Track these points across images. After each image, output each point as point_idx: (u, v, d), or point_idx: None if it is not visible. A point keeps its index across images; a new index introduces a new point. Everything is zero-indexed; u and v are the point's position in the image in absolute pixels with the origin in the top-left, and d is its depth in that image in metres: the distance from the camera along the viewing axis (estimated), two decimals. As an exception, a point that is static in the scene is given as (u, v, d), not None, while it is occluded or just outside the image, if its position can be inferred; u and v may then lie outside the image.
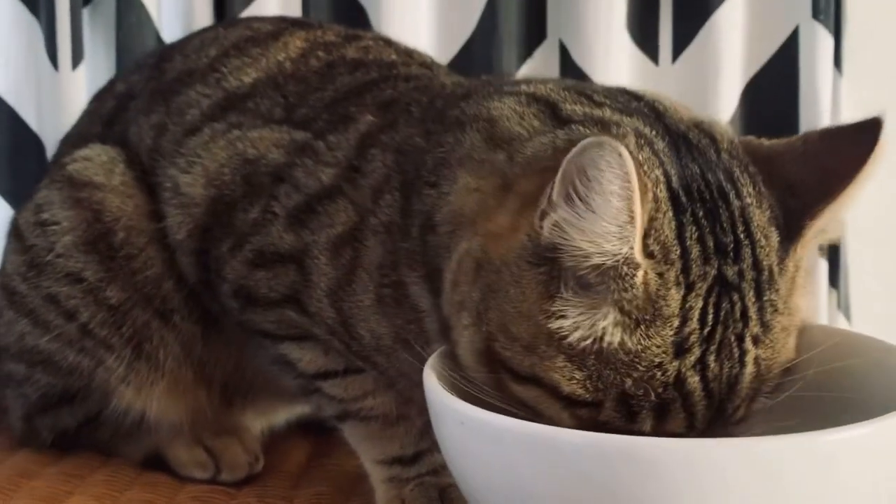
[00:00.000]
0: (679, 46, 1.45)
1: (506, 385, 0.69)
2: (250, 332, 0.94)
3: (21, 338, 1.02)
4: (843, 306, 1.46)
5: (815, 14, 1.40)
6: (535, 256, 0.67)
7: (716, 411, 0.67)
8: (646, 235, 0.65)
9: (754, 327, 0.67)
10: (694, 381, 0.66)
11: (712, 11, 1.42)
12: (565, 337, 0.66)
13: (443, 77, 0.96)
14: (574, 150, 0.63)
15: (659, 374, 0.65)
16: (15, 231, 1.04)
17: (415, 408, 0.88)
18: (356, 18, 1.43)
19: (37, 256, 0.99)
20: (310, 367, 0.92)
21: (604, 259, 0.64)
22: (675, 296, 0.65)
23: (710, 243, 0.66)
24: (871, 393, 0.72)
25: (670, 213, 0.66)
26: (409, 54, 1.02)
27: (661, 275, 0.65)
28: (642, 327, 0.65)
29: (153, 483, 0.99)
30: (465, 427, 0.67)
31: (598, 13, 1.41)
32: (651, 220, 0.65)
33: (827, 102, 1.41)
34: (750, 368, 0.67)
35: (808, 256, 0.71)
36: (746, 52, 1.45)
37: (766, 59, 1.45)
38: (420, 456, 0.90)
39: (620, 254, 0.64)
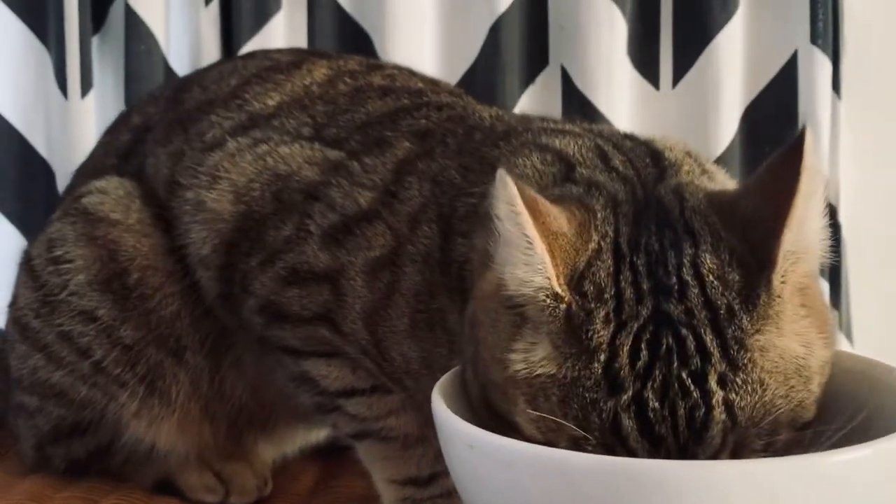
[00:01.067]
0: (679, 72, 1.47)
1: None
2: (272, 348, 0.95)
3: (34, 371, 1.02)
4: (845, 328, 1.47)
5: (814, 39, 1.42)
6: (506, 301, 0.70)
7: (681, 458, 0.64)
8: (582, 277, 0.68)
9: (718, 364, 0.65)
10: (627, 422, 0.64)
11: (712, 37, 1.44)
12: (513, 372, 0.68)
13: (477, 106, 0.97)
14: None
15: (594, 414, 0.65)
16: (27, 265, 1.04)
17: (435, 431, 0.89)
18: (361, 46, 1.45)
19: (50, 293, 1.00)
20: (334, 385, 0.93)
21: (524, 290, 0.68)
22: (601, 331, 0.66)
23: (647, 286, 0.68)
24: (875, 415, 0.73)
25: (610, 261, 0.69)
26: (434, 83, 1.04)
27: (588, 312, 0.67)
28: (570, 361, 0.66)
29: (164, 507, 1.01)
30: (473, 450, 0.68)
31: (600, 39, 1.43)
32: (589, 265, 0.69)
33: (826, 126, 1.43)
34: (718, 413, 0.64)
35: (795, 284, 0.69)
36: (746, 76, 1.47)
37: (765, 84, 1.46)
38: (435, 478, 0.91)
39: (535, 283, 0.67)
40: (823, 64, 1.42)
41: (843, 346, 1.47)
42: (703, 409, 0.64)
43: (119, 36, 1.44)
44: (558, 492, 0.64)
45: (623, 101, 1.46)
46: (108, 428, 1.01)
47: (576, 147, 0.83)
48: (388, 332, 0.86)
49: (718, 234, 0.70)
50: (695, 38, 1.45)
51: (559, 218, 0.70)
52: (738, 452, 0.65)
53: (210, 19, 1.45)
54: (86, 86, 1.42)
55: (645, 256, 0.69)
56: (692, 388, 0.64)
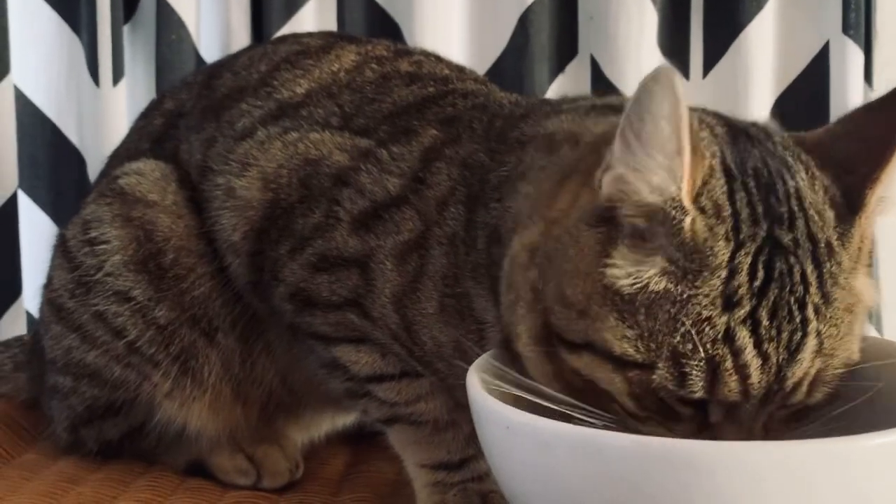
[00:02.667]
0: (710, 62, 1.47)
1: (562, 360, 0.71)
2: (302, 334, 0.96)
3: (68, 352, 1.03)
4: (875, 318, 1.47)
5: (846, 29, 1.41)
6: (594, 217, 0.70)
7: (774, 381, 0.67)
8: (699, 194, 0.68)
9: (815, 296, 0.68)
10: (744, 335, 0.66)
11: (743, 27, 1.44)
12: (617, 288, 0.68)
13: (499, 94, 0.98)
14: (637, 89, 0.66)
15: (707, 328, 0.66)
16: (62, 247, 1.05)
17: (465, 414, 0.89)
18: (390, 34, 1.45)
19: (85, 274, 1.01)
20: (364, 370, 0.94)
21: (653, 198, 0.67)
22: (723, 248, 0.67)
23: (760, 209, 0.69)
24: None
25: (723, 180, 0.69)
26: (461, 70, 1.04)
27: (710, 227, 0.67)
28: (689, 277, 0.67)
29: (196, 489, 1.02)
30: (510, 431, 0.69)
31: (630, 29, 1.43)
32: (704, 182, 0.68)
33: (858, 117, 1.43)
34: (812, 341, 0.67)
35: (871, 229, 0.73)
36: (777, 67, 1.46)
37: (796, 74, 1.46)
38: (466, 462, 0.92)
39: (669, 192, 0.67)
40: (855, 54, 1.41)
41: (872, 334, 1.46)
42: (800, 334, 0.67)
43: (150, 25, 1.46)
44: (595, 471, 0.65)
45: (652, 91, 1.46)
46: (141, 408, 1.02)
47: (605, 101, 0.84)
48: (417, 315, 0.86)
49: (813, 172, 0.73)
50: (725, 28, 1.45)
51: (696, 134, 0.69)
52: (814, 382, 0.69)
53: (241, 8, 1.47)
54: (117, 74, 1.44)
55: (754, 180, 0.70)
56: (795, 312, 0.67)
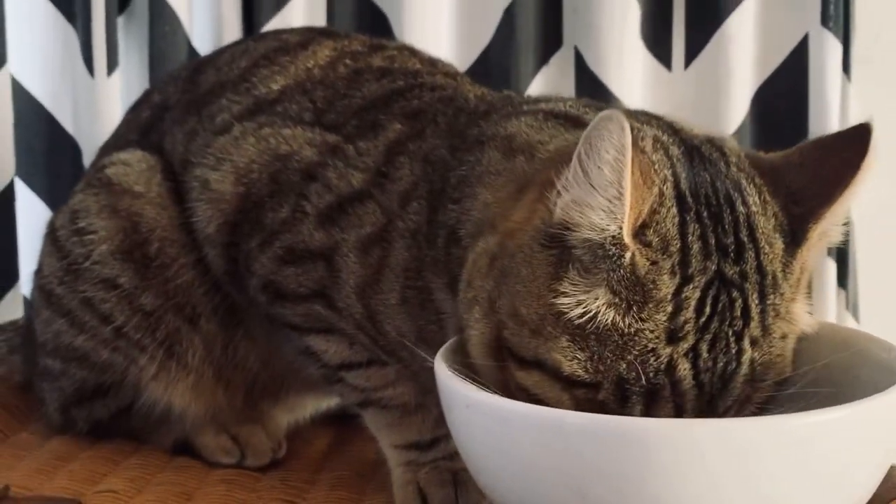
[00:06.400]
0: (691, 53, 1.50)
1: (510, 374, 0.74)
2: (277, 324, 0.99)
3: (57, 335, 1.07)
4: (852, 306, 1.50)
5: (825, 21, 1.44)
6: (547, 238, 0.71)
7: (706, 407, 0.70)
8: (645, 226, 0.69)
9: (755, 329, 0.71)
10: (684, 368, 0.69)
11: (723, 19, 1.46)
12: (568, 315, 0.69)
13: (467, 87, 1.00)
14: (590, 125, 0.67)
15: (652, 358, 0.69)
16: (52, 236, 1.08)
17: (433, 398, 0.92)
18: (379, 26, 1.48)
19: (73, 262, 1.04)
20: (334, 359, 0.97)
21: (593, 234, 0.68)
22: (667, 282, 0.69)
23: (712, 241, 0.71)
24: (857, 385, 0.75)
25: (674, 210, 0.70)
26: (433, 63, 1.06)
27: (654, 262, 0.69)
28: (634, 309, 0.69)
29: (183, 467, 1.05)
30: (470, 409, 0.72)
31: (613, 21, 1.45)
32: (653, 212, 0.70)
33: (836, 107, 1.45)
34: (745, 369, 0.70)
35: (812, 261, 0.75)
36: (757, 58, 1.49)
37: (776, 66, 1.49)
38: (436, 442, 0.95)
39: (608, 231, 0.68)
40: (834, 46, 1.44)
41: (850, 323, 1.49)
42: (734, 364, 0.70)
43: (144, 16, 1.48)
44: (551, 447, 0.68)
45: (636, 82, 1.49)
46: (128, 390, 1.05)
47: (566, 106, 0.85)
48: (380, 305, 0.89)
49: (765, 198, 0.74)
50: (706, 19, 1.48)
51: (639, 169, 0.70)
52: (744, 404, 0.71)
53: (232, 0, 1.49)
54: (111, 64, 1.46)
55: (707, 208, 0.72)
56: (732, 345, 0.70)
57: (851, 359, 0.78)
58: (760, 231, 0.72)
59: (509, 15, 1.48)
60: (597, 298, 0.69)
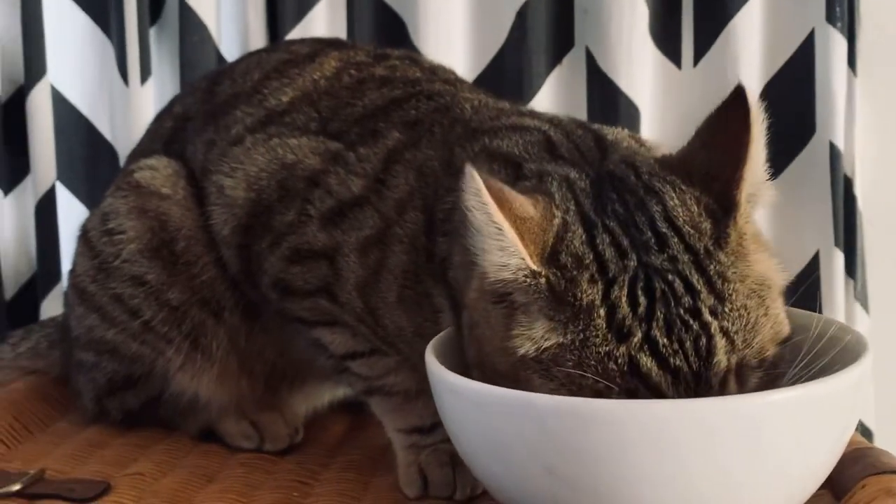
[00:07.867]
0: (700, 50, 1.53)
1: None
2: (288, 318, 1.06)
3: (90, 330, 1.14)
4: (861, 296, 1.52)
5: (830, 18, 1.47)
6: (494, 295, 0.77)
7: (699, 387, 0.72)
8: (556, 251, 0.75)
9: (707, 299, 0.73)
10: (646, 360, 0.72)
11: (731, 17, 1.49)
12: (527, 355, 0.74)
13: (465, 95, 1.04)
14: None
15: (611, 363, 0.72)
16: (84, 237, 1.15)
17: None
18: (397, 32, 1.54)
19: (104, 262, 1.11)
20: (339, 349, 1.04)
21: (507, 274, 0.74)
22: (589, 290, 0.73)
23: (625, 243, 0.76)
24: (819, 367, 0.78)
25: (580, 230, 0.76)
26: (433, 71, 1.12)
27: (570, 278, 0.74)
28: (570, 325, 0.73)
29: (207, 452, 1.12)
30: (454, 395, 0.78)
31: (622, 21, 1.49)
32: (559, 239, 0.76)
33: (842, 102, 1.48)
34: (720, 339, 0.72)
35: (752, 223, 0.78)
36: (764, 55, 1.52)
37: (783, 62, 1.52)
38: (436, 426, 1.00)
39: (511, 265, 0.74)
40: (839, 42, 1.47)
41: (860, 315, 1.52)
42: (704, 339, 0.72)
43: (174, 27, 1.55)
44: (526, 428, 0.73)
45: (645, 80, 1.53)
46: (157, 380, 1.12)
47: (521, 145, 0.90)
48: (379, 302, 0.96)
49: (681, 189, 0.79)
50: (714, 18, 1.51)
51: (525, 204, 0.76)
52: (741, 373, 0.73)
53: (257, 10, 1.55)
54: (145, 74, 1.53)
55: (615, 219, 0.77)
56: (691, 321, 0.72)
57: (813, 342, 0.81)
58: (682, 220, 0.76)
59: (521, 17, 1.53)
60: (538, 329, 0.74)
